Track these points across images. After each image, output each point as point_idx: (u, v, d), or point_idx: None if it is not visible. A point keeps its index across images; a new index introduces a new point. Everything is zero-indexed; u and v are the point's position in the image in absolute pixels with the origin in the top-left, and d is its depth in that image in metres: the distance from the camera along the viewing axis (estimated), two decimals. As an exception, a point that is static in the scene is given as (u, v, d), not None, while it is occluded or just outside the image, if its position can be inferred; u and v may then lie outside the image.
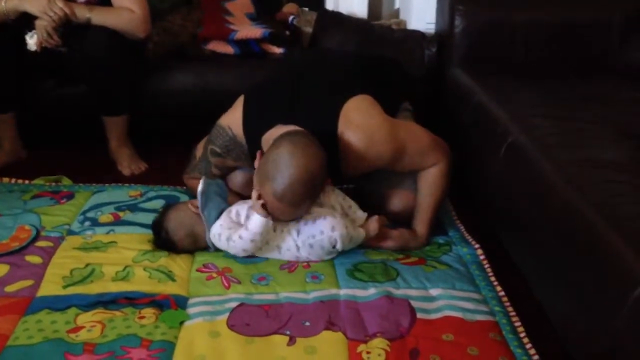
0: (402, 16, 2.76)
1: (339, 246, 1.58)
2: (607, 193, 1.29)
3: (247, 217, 1.59)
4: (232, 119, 1.73)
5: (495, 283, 1.58)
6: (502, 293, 1.54)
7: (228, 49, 2.38)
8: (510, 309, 1.49)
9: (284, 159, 1.48)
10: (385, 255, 1.65)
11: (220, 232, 1.59)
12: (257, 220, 1.53)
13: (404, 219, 1.77)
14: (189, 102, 2.30)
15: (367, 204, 1.74)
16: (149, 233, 1.68)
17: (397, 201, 1.77)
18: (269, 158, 1.52)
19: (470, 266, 1.64)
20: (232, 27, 2.43)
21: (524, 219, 1.52)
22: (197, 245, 1.65)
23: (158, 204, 1.88)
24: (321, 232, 1.56)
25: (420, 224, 1.72)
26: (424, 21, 2.55)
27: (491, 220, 1.79)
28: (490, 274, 1.62)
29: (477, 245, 1.73)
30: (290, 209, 1.52)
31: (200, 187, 1.61)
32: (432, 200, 1.72)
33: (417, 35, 2.44)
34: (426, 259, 1.65)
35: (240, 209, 1.62)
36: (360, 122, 1.62)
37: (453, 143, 2.00)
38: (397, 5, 2.87)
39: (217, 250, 1.64)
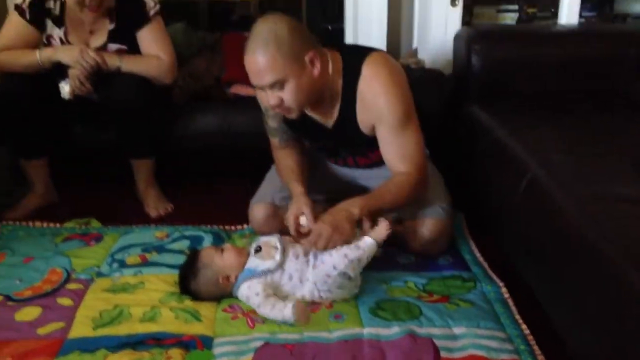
0: (420, 55, 2.81)
1: (352, 275, 1.58)
2: (626, 228, 1.30)
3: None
4: None
5: (520, 321, 1.58)
6: (528, 331, 1.54)
7: (251, 92, 2.43)
8: (535, 347, 1.48)
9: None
10: (408, 293, 1.66)
11: (248, 295, 1.59)
12: (289, 316, 1.53)
13: (435, 248, 1.81)
14: (213, 143, 2.36)
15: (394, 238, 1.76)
16: (175, 273, 1.71)
17: (428, 228, 1.79)
18: None
19: (495, 304, 1.64)
20: (254, 70, 2.49)
21: (544, 254, 1.52)
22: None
23: (184, 244, 1.92)
24: (327, 275, 1.58)
25: (360, 204, 1.64)
26: (442, 60, 2.60)
27: (512, 256, 1.79)
28: (515, 311, 1.62)
29: (501, 283, 1.72)
30: (254, 59, 1.56)
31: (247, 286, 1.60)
32: (389, 197, 1.70)
33: (436, 73, 2.49)
34: (450, 296, 1.66)
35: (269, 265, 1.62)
36: (387, 68, 1.69)
37: (471, 179, 2.02)
38: (415, 45, 2.92)
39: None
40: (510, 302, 1.65)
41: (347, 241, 1.61)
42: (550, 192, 1.54)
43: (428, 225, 1.80)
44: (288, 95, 1.61)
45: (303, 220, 1.65)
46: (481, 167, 1.99)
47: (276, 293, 1.59)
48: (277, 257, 1.61)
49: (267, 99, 1.64)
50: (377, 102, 1.67)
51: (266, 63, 1.56)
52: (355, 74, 1.68)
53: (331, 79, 1.69)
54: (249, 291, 1.59)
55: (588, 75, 2.16)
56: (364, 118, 1.72)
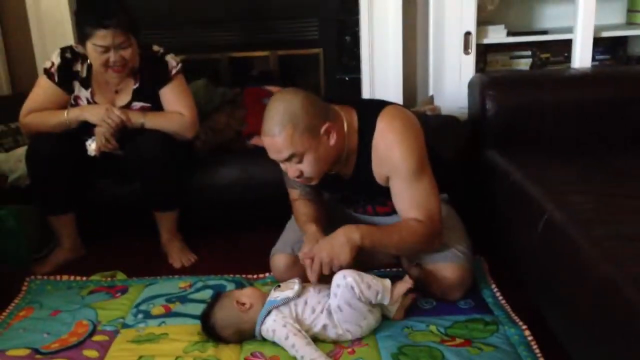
0: (436, 102, 2.86)
1: (357, 291, 1.60)
2: (645, 267, 1.29)
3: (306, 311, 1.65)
4: None
5: (545, 364, 1.56)
6: (553, 374, 1.52)
7: (270, 143, 2.51)
8: (560, 390, 1.46)
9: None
10: (430, 338, 1.65)
11: (274, 329, 1.62)
12: None
13: (456, 293, 1.80)
14: (234, 194, 2.41)
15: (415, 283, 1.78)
16: (198, 323, 1.73)
17: (448, 274, 1.79)
18: None
19: (518, 347, 1.63)
20: (273, 122, 2.56)
21: (564, 294, 1.51)
22: (244, 338, 1.69)
23: (206, 294, 1.94)
24: (337, 285, 1.62)
25: (362, 232, 1.66)
26: (457, 106, 2.64)
27: (533, 297, 1.78)
28: (539, 354, 1.60)
29: (524, 326, 1.71)
30: (272, 140, 1.63)
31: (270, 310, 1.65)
32: (396, 237, 1.71)
33: (452, 120, 2.53)
34: (472, 340, 1.64)
35: (298, 303, 1.66)
36: (400, 121, 1.74)
37: (490, 223, 2.03)
38: (431, 92, 2.98)
39: (264, 338, 1.68)
40: (534, 345, 1.63)
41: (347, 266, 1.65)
42: (568, 232, 1.54)
43: (448, 270, 1.80)
44: (307, 167, 1.68)
45: None
46: (500, 209, 2.00)
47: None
48: (296, 287, 1.66)
49: (287, 169, 1.71)
50: (391, 155, 1.71)
51: (283, 142, 1.62)
52: (371, 129, 1.73)
53: (347, 137, 1.74)
54: (275, 324, 1.62)
55: (603, 118, 2.18)
56: (379, 170, 1.76)
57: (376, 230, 1.71)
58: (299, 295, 1.66)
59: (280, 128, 1.61)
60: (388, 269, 1.98)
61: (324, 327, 1.64)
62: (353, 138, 1.75)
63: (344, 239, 1.65)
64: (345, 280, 1.62)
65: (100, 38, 2.06)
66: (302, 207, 1.92)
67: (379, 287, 1.64)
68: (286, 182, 1.95)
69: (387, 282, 1.66)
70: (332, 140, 1.68)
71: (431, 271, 1.82)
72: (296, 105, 1.63)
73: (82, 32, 2.12)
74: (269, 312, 1.64)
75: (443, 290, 1.82)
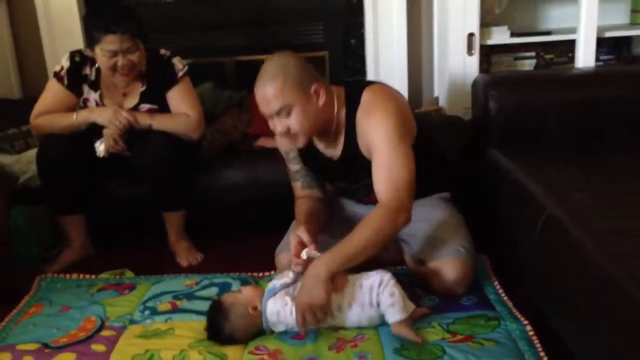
0: (441, 103, 2.88)
1: (379, 286, 1.66)
2: (643, 260, 1.31)
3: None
4: None
5: (545, 359, 1.57)
6: (553, 368, 1.53)
7: (275, 144, 2.53)
8: (561, 384, 1.47)
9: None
10: (432, 334, 1.67)
11: (278, 310, 1.66)
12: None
13: (457, 288, 1.82)
14: (240, 195, 2.45)
15: (416, 281, 1.82)
16: (203, 320, 1.75)
17: (450, 269, 1.81)
18: None
19: (519, 342, 1.64)
20: (279, 124, 2.59)
21: (564, 291, 1.52)
22: (256, 336, 1.70)
23: (212, 291, 1.97)
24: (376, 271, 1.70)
25: (325, 261, 1.63)
26: (462, 107, 2.66)
27: (535, 294, 1.79)
28: (540, 349, 1.61)
29: (526, 322, 1.72)
30: (263, 91, 1.69)
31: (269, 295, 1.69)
32: (355, 240, 1.64)
33: (455, 120, 2.55)
34: (474, 336, 1.66)
35: (296, 287, 1.69)
36: (384, 95, 1.78)
37: (493, 221, 2.05)
38: (436, 93, 3.01)
39: (270, 332, 1.71)
40: (535, 340, 1.64)
41: (329, 299, 1.64)
42: (567, 228, 1.56)
43: (450, 266, 1.82)
44: (294, 121, 1.72)
45: (304, 254, 1.72)
46: (501, 208, 2.01)
47: None
48: (291, 274, 1.71)
49: (275, 126, 1.75)
50: (370, 125, 1.74)
51: (273, 92, 1.68)
52: (356, 104, 1.78)
53: (337, 112, 1.80)
54: (276, 305, 1.66)
55: (604, 117, 2.19)
56: (363, 144, 1.79)
57: (339, 247, 1.64)
58: (296, 281, 1.69)
59: (272, 81, 1.68)
60: (392, 267, 1.99)
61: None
62: (341, 113, 1.80)
63: (311, 280, 1.62)
64: (381, 273, 1.69)
65: (109, 43, 2.10)
66: (300, 206, 1.97)
67: (398, 301, 1.65)
68: (290, 176, 1.99)
69: (409, 309, 1.68)
70: (321, 101, 1.73)
71: (433, 268, 1.84)
72: (288, 62, 1.71)
73: (90, 37, 2.17)
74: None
75: (445, 287, 1.83)
